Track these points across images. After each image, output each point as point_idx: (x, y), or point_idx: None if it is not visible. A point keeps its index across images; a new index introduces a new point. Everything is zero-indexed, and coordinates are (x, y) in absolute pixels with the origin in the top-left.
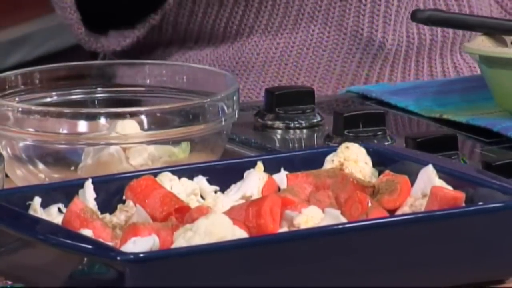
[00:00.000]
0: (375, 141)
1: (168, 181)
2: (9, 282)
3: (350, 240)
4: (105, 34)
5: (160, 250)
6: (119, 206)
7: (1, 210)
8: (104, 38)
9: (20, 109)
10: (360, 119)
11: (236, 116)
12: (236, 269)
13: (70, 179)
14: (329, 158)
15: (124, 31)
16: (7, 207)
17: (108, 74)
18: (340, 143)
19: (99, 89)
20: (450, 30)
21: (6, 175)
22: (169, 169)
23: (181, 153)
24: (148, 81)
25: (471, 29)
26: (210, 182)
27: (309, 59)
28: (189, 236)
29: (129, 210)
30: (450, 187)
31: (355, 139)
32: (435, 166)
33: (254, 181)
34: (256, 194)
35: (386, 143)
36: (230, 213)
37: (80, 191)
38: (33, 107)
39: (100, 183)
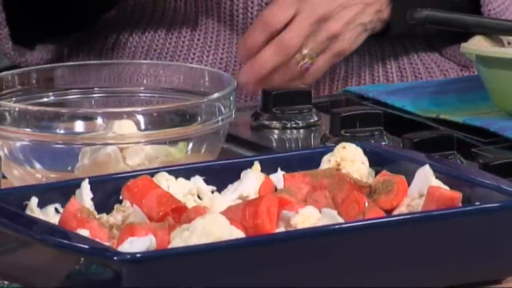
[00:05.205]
0: (372, 141)
1: (165, 181)
2: (6, 282)
3: (347, 240)
4: (31, 49)
5: (157, 250)
6: (116, 206)
7: None
8: (29, 53)
9: (17, 109)
10: (357, 119)
11: (233, 116)
12: (233, 269)
13: (67, 179)
14: (326, 158)
15: (50, 45)
16: (4, 207)
17: (104, 74)
18: (337, 143)
19: (96, 89)
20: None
21: (3, 175)
22: (166, 169)
23: (178, 153)
24: (145, 81)
25: (468, 29)
26: (207, 182)
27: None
28: (186, 236)
29: (126, 210)
30: (447, 187)
31: (352, 139)
32: (432, 166)
33: (251, 181)
34: (253, 194)
35: (383, 143)
36: (227, 213)
37: (77, 191)
38: (30, 107)
39: (97, 183)
